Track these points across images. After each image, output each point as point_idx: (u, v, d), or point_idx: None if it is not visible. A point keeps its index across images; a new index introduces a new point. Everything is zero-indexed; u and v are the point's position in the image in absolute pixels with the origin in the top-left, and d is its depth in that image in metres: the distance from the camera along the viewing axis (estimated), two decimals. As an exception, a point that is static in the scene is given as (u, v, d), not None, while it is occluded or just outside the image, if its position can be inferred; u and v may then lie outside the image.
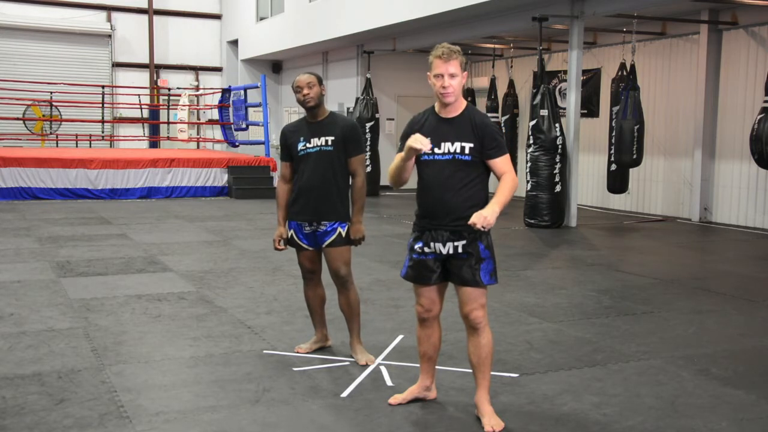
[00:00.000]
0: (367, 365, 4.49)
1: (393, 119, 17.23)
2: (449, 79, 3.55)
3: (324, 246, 4.50)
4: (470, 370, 3.81)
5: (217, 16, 22.79)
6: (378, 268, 7.60)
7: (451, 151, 3.59)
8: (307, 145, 4.48)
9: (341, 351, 4.76)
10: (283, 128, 4.71)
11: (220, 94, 19.19)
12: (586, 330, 5.42)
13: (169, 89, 21.57)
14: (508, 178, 3.58)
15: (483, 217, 3.40)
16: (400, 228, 10.60)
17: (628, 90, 11.37)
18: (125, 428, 3.55)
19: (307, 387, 4.15)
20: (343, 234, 4.49)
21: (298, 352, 4.73)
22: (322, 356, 4.68)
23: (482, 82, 16.18)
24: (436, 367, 4.03)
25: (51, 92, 19.22)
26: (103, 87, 19.80)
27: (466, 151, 3.58)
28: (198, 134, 21.46)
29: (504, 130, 14.04)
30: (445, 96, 3.58)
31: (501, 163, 3.62)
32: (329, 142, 4.46)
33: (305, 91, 4.44)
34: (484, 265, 3.61)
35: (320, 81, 4.52)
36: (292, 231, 4.58)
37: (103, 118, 19.84)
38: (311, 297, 4.74)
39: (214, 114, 20.39)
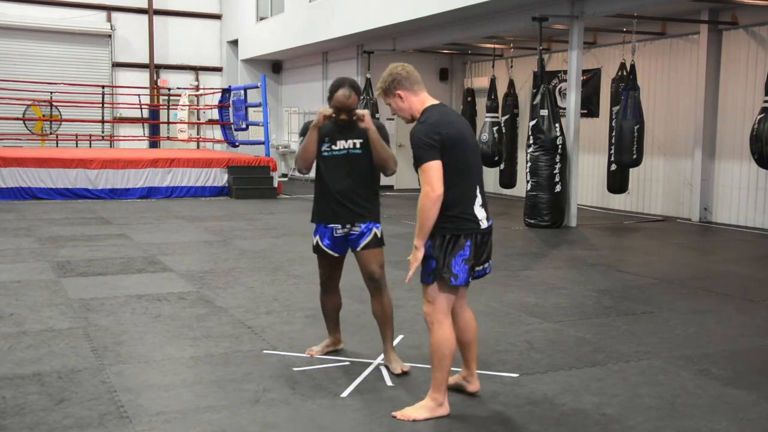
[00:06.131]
0: (402, 373, 4.34)
1: (393, 119, 17.20)
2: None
3: (359, 249, 4.40)
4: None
5: (217, 16, 22.79)
6: (378, 268, 7.58)
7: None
8: (333, 147, 4.37)
9: (341, 351, 4.76)
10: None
11: (220, 94, 19.19)
12: (586, 330, 5.42)
13: (169, 89, 21.57)
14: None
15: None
16: (400, 228, 10.59)
17: (628, 90, 11.37)
18: (125, 428, 3.55)
19: (307, 387, 4.14)
20: (378, 234, 4.41)
21: (310, 355, 4.69)
22: (323, 356, 4.68)
23: (482, 82, 16.16)
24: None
25: (51, 92, 19.22)
26: (103, 87, 19.79)
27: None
28: (198, 134, 21.45)
29: (504, 130, 14.05)
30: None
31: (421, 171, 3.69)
32: (357, 145, 4.35)
33: (343, 116, 4.30)
34: (426, 262, 3.68)
35: (359, 95, 4.34)
36: (317, 238, 4.48)
37: (103, 118, 19.83)
38: (328, 305, 4.68)
39: (214, 114, 20.39)
